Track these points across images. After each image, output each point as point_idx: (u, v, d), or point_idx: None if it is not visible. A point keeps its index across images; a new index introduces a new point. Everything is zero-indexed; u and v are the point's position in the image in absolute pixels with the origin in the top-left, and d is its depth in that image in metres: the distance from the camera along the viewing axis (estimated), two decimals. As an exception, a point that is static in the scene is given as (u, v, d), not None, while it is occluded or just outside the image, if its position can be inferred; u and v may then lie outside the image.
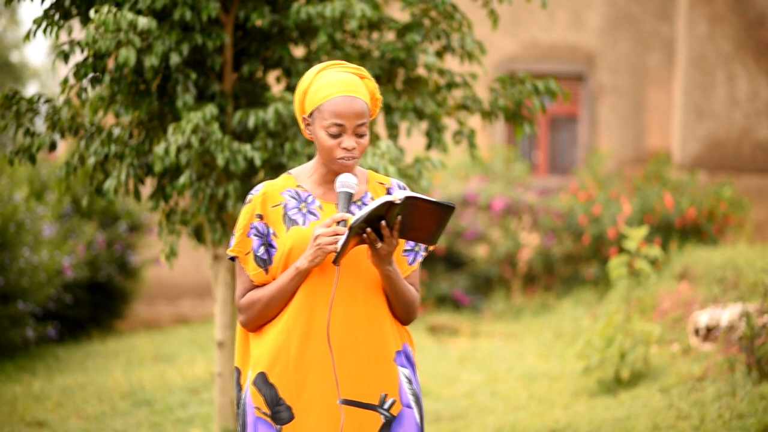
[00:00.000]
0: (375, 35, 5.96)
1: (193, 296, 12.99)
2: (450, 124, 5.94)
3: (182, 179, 4.81)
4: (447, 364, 8.36)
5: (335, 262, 2.80)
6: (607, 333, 6.75)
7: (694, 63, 12.32)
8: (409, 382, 2.95)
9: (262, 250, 2.92)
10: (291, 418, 2.86)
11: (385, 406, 2.89)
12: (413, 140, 7.62)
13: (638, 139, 13.55)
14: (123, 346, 9.94)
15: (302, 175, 2.99)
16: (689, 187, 11.30)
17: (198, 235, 5.55)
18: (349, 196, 2.87)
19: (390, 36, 5.88)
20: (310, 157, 4.91)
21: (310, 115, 2.93)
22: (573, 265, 11.43)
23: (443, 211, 2.78)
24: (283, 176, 3.00)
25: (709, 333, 6.73)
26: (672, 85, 13.28)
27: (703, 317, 6.81)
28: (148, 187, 9.06)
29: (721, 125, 12.30)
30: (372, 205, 2.75)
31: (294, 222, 2.91)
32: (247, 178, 5.14)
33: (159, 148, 4.68)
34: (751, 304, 6.30)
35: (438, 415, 6.70)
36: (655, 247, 6.73)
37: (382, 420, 2.88)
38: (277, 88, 7.46)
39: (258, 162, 4.74)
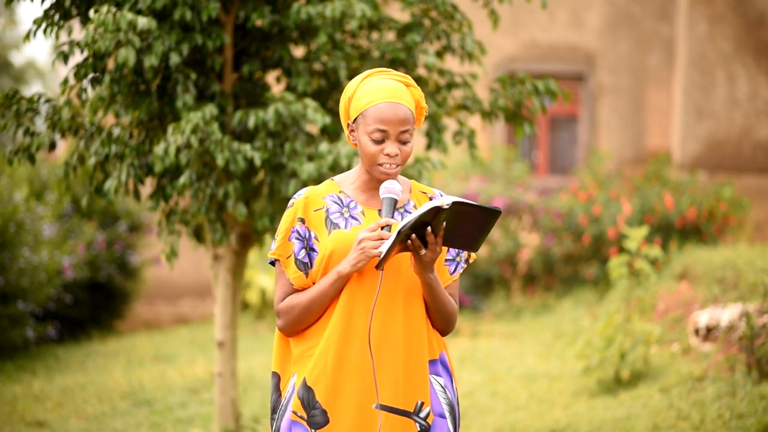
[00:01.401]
0: (375, 35, 5.96)
1: (193, 296, 12.99)
2: (450, 124, 5.94)
3: (182, 179, 4.80)
4: (447, 364, 8.35)
5: (378, 267, 2.79)
6: (607, 333, 6.75)
7: (694, 63, 12.31)
8: (444, 390, 2.93)
9: (303, 253, 2.90)
10: (326, 422, 2.84)
11: (422, 415, 2.87)
12: (413, 140, 7.63)
13: (638, 139, 13.55)
14: (123, 346, 9.94)
15: (345, 181, 2.98)
16: (689, 187, 11.30)
17: (198, 235, 5.55)
18: (394, 202, 2.87)
19: (390, 36, 5.88)
20: (310, 158, 4.91)
21: (354, 120, 2.92)
22: (573, 265, 11.43)
23: (489, 216, 2.75)
24: (326, 182, 2.99)
25: (709, 333, 6.73)
26: (672, 85, 13.28)
27: (703, 317, 6.81)
28: (148, 187, 9.06)
29: (721, 125, 12.30)
30: (420, 211, 2.73)
31: (336, 225, 2.90)
32: (247, 178, 5.14)
33: (159, 148, 4.67)
34: (751, 304, 6.30)
35: (438, 415, 6.68)
36: (655, 247, 6.73)
37: (417, 428, 2.86)
38: (277, 88, 7.46)
39: (258, 162, 4.74)
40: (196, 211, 5.00)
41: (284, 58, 5.11)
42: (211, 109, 4.73)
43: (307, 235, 2.91)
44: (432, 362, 2.93)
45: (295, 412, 2.87)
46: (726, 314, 6.56)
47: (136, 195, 5.16)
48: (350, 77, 5.13)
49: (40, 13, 4.91)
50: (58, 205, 10.53)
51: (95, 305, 11.10)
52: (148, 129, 5.08)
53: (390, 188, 2.87)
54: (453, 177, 12.11)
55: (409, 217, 2.74)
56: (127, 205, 11.33)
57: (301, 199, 2.93)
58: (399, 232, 2.73)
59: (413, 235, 2.77)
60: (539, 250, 11.42)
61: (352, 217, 2.92)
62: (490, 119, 5.57)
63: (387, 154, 2.88)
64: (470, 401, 7.02)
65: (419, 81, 5.41)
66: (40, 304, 9.19)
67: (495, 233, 11.58)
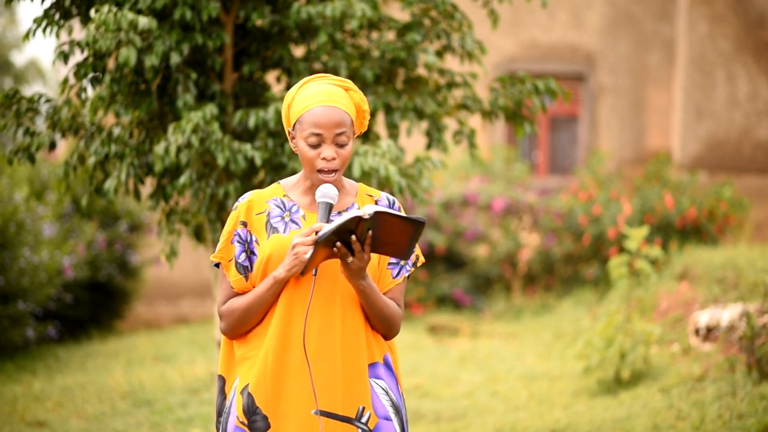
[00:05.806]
0: (375, 35, 5.96)
1: (193, 296, 13.00)
2: (450, 123, 5.93)
3: (182, 179, 4.80)
4: (447, 364, 8.36)
5: (303, 273, 2.79)
6: (607, 333, 6.75)
7: (694, 63, 12.31)
8: (386, 393, 2.92)
9: (243, 257, 2.92)
10: (267, 427, 2.84)
11: (363, 420, 2.86)
12: (413, 140, 7.61)
13: (638, 139, 13.55)
14: (123, 346, 9.94)
15: (290, 185, 2.99)
16: (689, 187, 11.30)
17: (198, 235, 5.55)
18: (329, 206, 2.86)
19: (390, 36, 5.88)
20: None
21: (294, 128, 2.93)
22: (573, 265, 11.43)
23: (413, 226, 2.76)
24: (273, 185, 3.00)
25: (709, 333, 6.73)
26: (672, 85, 13.28)
27: (703, 317, 6.81)
28: (148, 186, 9.06)
29: (721, 125, 12.30)
30: (340, 220, 2.73)
31: (275, 230, 2.91)
32: (248, 178, 5.14)
33: (159, 148, 4.67)
34: (751, 304, 6.30)
35: (438, 415, 6.70)
36: (655, 247, 6.73)
37: None
38: (277, 88, 7.46)
39: (258, 162, 4.74)
40: (197, 211, 5.00)
41: (284, 58, 5.11)
42: (211, 109, 4.73)
43: (248, 239, 2.92)
44: (372, 366, 2.92)
45: (238, 418, 2.87)
46: (726, 314, 6.56)
47: (136, 195, 5.16)
48: (350, 77, 5.13)
49: (40, 13, 4.90)
50: (58, 205, 10.53)
51: (95, 305, 11.10)
52: (148, 129, 5.08)
53: (325, 192, 2.86)
54: (453, 177, 12.12)
55: (329, 225, 2.75)
56: (127, 205, 11.33)
57: (244, 202, 2.95)
58: (317, 241, 2.74)
59: (338, 243, 2.77)
60: (539, 250, 11.42)
61: (293, 222, 2.92)
62: (490, 119, 5.57)
63: (324, 158, 2.88)
64: (470, 401, 7.02)
65: (419, 80, 5.41)
66: (40, 304, 9.19)
67: (495, 233, 11.58)
